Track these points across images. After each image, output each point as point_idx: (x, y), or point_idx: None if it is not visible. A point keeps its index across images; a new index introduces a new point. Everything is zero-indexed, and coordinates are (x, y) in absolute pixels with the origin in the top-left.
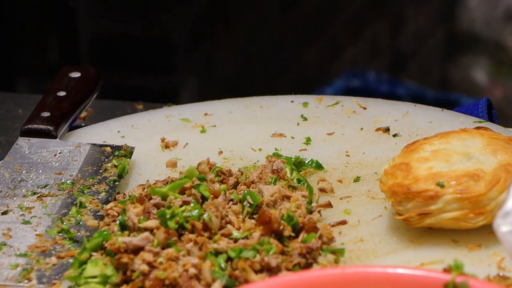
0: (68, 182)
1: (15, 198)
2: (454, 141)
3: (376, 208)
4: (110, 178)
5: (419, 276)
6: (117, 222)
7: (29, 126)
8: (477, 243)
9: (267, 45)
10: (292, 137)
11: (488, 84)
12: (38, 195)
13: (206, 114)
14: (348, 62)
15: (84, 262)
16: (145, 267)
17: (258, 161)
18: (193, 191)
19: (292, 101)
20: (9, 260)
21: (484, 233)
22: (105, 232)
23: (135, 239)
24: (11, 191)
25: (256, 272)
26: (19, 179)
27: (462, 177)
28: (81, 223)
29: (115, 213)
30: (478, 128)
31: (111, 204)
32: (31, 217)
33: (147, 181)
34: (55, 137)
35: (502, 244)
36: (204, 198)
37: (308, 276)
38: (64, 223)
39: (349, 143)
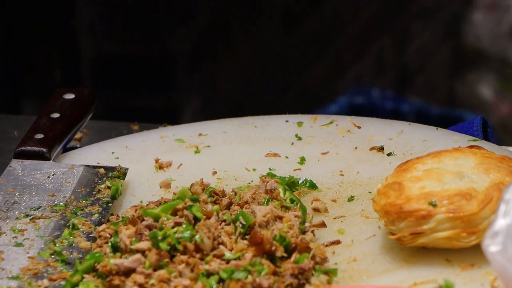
0: (61, 204)
1: (7, 221)
2: (446, 160)
3: (370, 228)
4: (103, 199)
5: None
6: (109, 243)
7: (23, 148)
8: (470, 262)
9: (270, 63)
10: (287, 157)
11: (494, 100)
12: (31, 217)
13: (200, 135)
14: (353, 79)
15: (76, 285)
16: None
17: (252, 181)
18: (186, 212)
19: (287, 121)
20: (1, 283)
21: (477, 252)
22: (97, 254)
23: (127, 261)
24: (4, 213)
25: None
26: (12, 201)
27: (455, 196)
28: (73, 245)
29: (108, 235)
30: (471, 147)
31: (103, 226)
32: (24, 239)
33: (141, 202)
34: (49, 159)
35: (491, 264)
36: (196, 219)
37: None
38: (57, 245)
39: (343, 162)
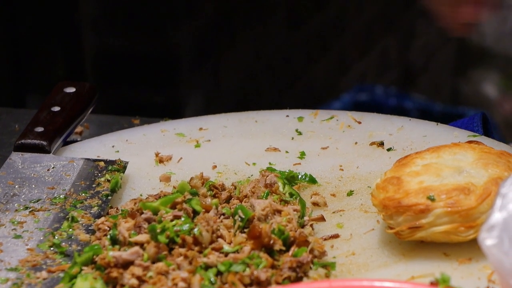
0: (61, 196)
1: (7, 213)
2: (445, 155)
3: (369, 222)
4: (103, 192)
5: None
6: (108, 236)
7: (23, 141)
8: (468, 256)
9: (274, 60)
10: (287, 151)
11: (498, 98)
12: (30, 209)
13: (201, 129)
14: (357, 76)
15: (75, 277)
16: (134, 282)
17: (252, 175)
18: (185, 205)
19: (287, 116)
20: (0, 274)
21: (475, 247)
22: (96, 247)
23: (125, 254)
24: (3, 205)
25: (246, 286)
26: (11, 193)
27: (453, 191)
28: (72, 237)
29: (107, 228)
30: (470, 142)
31: (102, 219)
32: (23, 232)
33: (140, 195)
34: (49, 152)
35: (488, 258)
36: (195, 213)
37: None
38: (56, 238)
39: (343, 157)
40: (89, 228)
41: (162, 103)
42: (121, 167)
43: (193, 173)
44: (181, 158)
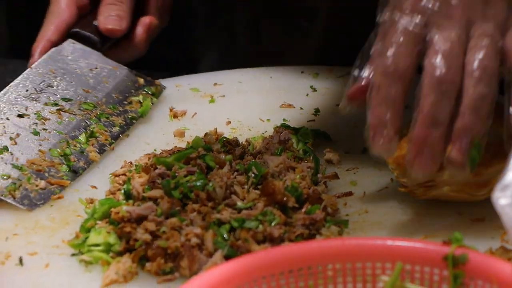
0: (90, 104)
1: (36, 103)
2: None
3: (383, 180)
4: (130, 114)
5: (418, 248)
6: (122, 191)
7: (78, 29)
8: (481, 215)
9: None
10: (301, 108)
11: None
12: (58, 107)
13: (215, 84)
14: None
15: (89, 230)
16: (147, 236)
17: (266, 131)
18: (198, 161)
19: (302, 72)
20: (4, 168)
21: (489, 206)
22: (111, 200)
23: (139, 208)
24: (36, 94)
25: (259, 242)
26: (48, 83)
27: None
28: (84, 152)
29: (121, 182)
30: None
31: (119, 171)
32: (42, 129)
33: (154, 150)
34: (99, 50)
35: (501, 217)
36: (209, 168)
37: (308, 247)
38: (69, 147)
39: (358, 114)
40: (103, 148)
41: (176, 59)
42: (157, 91)
43: (207, 128)
44: (195, 113)
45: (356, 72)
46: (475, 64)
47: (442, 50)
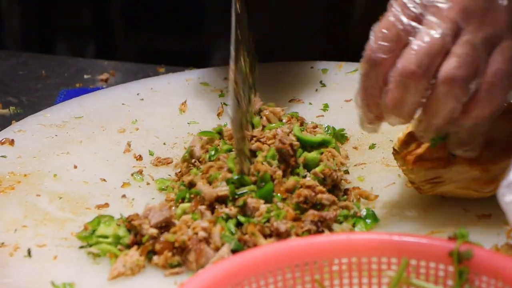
0: None
1: None
2: None
3: (390, 176)
4: None
5: (424, 244)
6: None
7: None
8: (487, 212)
9: (302, 9)
10: (310, 103)
11: None
12: None
13: (225, 78)
14: None
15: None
16: (154, 231)
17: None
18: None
19: (312, 67)
20: None
21: (495, 203)
22: None
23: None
24: None
25: (265, 236)
26: None
27: None
28: None
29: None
30: None
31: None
32: None
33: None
34: None
35: (506, 214)
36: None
37: (314, 241)
38: None
39: None
40: None
41: (187, 52)
42: None
43: (215, 123)
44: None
45: None
46: (443, 70)
47: (420, 45)
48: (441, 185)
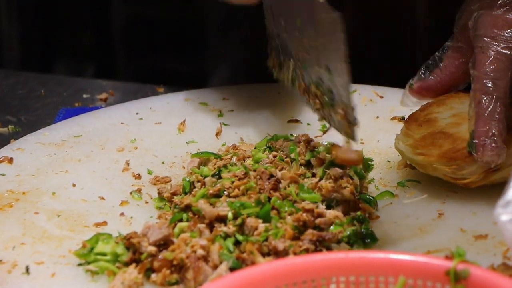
0: None
1: None
2: (456, 104)
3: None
4: None
5: (421, 263)
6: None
7: None
8: (484, 232)
9: None
10: (308, 124)
11: None
12: None
13: (224, 99)
14: None
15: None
16: (152, 249)
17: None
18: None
19: None
20: None
21: (492, 223)
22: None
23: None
24: None
25: (264, 255)
26: None
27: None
28: None
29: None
30: None
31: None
32: None
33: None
34: None
35: (503, 233)
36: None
37: (312, 259)
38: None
39: (364, 131)
40: None
41: (187, 72)
42: None
43: (214, 142)
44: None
45: (422, 71)
46: None
47: None
48: (496, 172)
